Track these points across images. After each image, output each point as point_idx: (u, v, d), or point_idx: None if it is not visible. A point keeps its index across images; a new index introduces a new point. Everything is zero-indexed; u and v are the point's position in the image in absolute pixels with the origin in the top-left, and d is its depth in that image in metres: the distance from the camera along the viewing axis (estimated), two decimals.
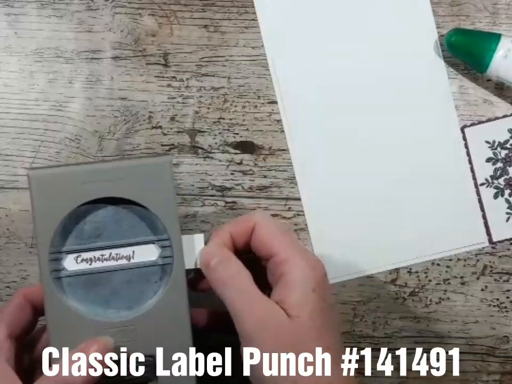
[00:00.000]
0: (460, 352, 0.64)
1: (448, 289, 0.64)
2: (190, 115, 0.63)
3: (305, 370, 0.46)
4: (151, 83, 0.63)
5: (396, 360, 0.63)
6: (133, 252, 0.49)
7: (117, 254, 0.49)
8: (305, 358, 0.47)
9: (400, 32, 0.63)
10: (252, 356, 0.47)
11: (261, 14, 0.63)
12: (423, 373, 0.64)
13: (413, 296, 0.64)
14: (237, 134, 0.63)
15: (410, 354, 0.63)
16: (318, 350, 0.47)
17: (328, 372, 0.47)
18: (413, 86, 0.63)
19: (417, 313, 0.64)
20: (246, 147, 0.63)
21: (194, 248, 0.50)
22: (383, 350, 0.63)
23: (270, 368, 0.46)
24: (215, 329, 0.54)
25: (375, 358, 0.63)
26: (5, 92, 0.62)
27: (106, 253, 0.49)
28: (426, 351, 0.64)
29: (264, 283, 0.50)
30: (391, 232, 0.63)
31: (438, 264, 0.63)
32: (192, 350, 0.50)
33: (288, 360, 0.46)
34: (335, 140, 0.63)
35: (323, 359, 0.47)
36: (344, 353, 0.49)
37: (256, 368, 0.47)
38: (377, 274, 0.63)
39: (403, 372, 0.64)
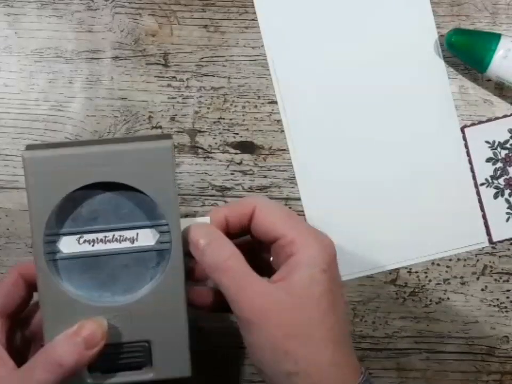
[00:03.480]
0: (460, 352, 0.64)
1: (448, 289, 0.64)
2: (190, 115, 0.63)
3: (305, 351, 0.46)
4: (151, 83, 0.63)
5: (395, 360, 0.64)
6: (137, 234, 0.48)
7: (120, 236, 0.48)
8: (307, 338, 0.46)
9: (400, 32, 0.63)
10: (251, 340, 0.47)
11: (261, 14, 0.63)
12: (423, 373, 0.64)
13: (413, 296, 0.64)
14: (237, 134, 0.63)
15: (410, 354, 0.63)
16: (322, 331, 0.47)
17: (331, 351, 0.47)
18: (413, 86, 0.63)
19: (417, 313, 0.64)
20: (246, 147, 0.63)
21: None
22: (383, 350, 0.63)
23: (270, 351, 0.46)
24: (220, 309, 0.53)
25: (375, 358, 0.63)
26: (5, 92, 0.62)
27: (110, 234, 0.48)
28: (426, 351, 0.64)
29: (259, 269, 0.48)
30: (391, 232, 0.63)
31: (438, 264, 0.63)
32: (187, 335, 0.49)
33: (287, 343, 0.46)
34: (335, 140, 0.63)
35: (324, 340, 0.46)
36: (349, 332, 0.49)
37: (255, 352, 0.47)
38: (377, 274, 0.63)
39: (403, 372, 0.64)
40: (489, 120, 0.63)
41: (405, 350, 0.64)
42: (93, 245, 0.48)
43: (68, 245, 0.48)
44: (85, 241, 0.48)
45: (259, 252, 0.52)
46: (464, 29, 0.62)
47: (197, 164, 0.63)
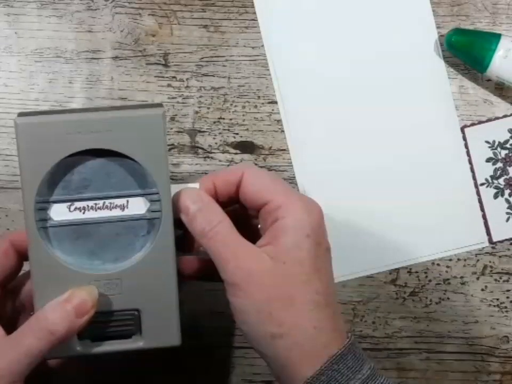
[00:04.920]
0: (460, 352, 0.64)
1: (448, 289, 0.64)
2: (190, 115, 0.63)
3: (289, 314, 0.46)
4: (151, 83, 0.63)
5: (396, 360, 0.64)
6: (127, 201, 0.48)
7: (110, 203, 0.48)
8: (290, 301, 0.46)
9: (400, 32, 0.63)
10: (236, 303, 0.47)
11: (261, 14, 0.63)
12: (423, 373, 0.64)
13: (413, 296, 0.64)
14: (237, 134, 0.63)
15: (410, 354, 0.63)
16: (305, 294, 0.47)
17: (315, 315, 0.47)
18: (413, 86, 0.63)
19: (417, 313, 0.64)
20: (246, 147, 0.63)
21: None
22: (383, 350, 0.63)
23: (254, 313, 0.46)
24: (204, 277, 0.53)
25: (375, 358, 0.63)
26: (5, 91, 0.62)
27: (100, 202, 0.48)
28: (426, 351, 0.64)
29: (248, 238, 0.49)
30: (391, 232, 0.63)
31: (438, 264, 0.63)
32: (177, 305, 0.49)
33: (271, 305, 0.46)
34: (335, 140, 0.63)
35: (308, 304, 0.47)
36: (336, 297, 0.49)
37: (241, 315, 0.47)
38: (377, 274, 0.63)
39: (403, 372, 0.64)
40: (489, 120, 0.63)
41: (405, 350, 0.64)
42: (83, 213, 0.48)
43: (59, 212, 0.48)
44: (75, 208, 0.48)
45: (247, 220, 0.52)
46: (464, 29, 0.62)
47: (197, 164, 0.63)
